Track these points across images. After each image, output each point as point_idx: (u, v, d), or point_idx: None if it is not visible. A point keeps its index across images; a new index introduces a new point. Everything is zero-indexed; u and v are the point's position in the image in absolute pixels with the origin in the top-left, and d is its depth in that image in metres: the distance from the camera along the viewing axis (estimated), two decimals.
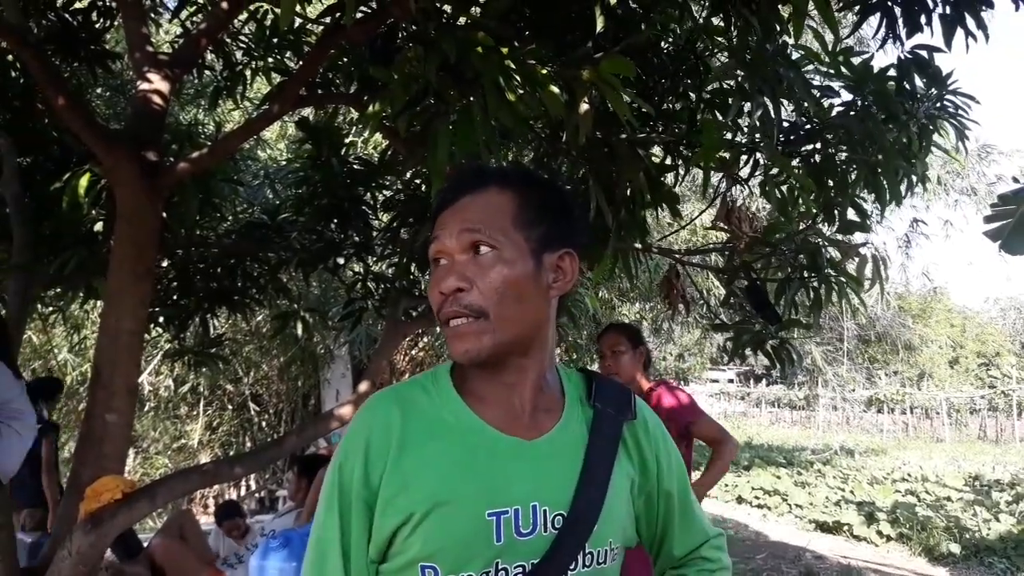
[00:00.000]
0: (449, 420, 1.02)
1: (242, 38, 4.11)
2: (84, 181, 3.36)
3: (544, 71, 2.24)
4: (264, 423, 11.72)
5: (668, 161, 3.54)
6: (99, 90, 5.62)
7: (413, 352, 11.00)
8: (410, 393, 1.05)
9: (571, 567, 1.00)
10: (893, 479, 11.86)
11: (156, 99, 3.06)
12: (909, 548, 7.57)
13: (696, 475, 3.18)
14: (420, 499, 0.96)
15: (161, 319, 4.66)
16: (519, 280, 1.00)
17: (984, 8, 2.91)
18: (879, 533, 7.97)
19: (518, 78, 2.22)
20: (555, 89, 2.21)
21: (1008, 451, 18.79)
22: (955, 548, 7.24)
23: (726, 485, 11.27)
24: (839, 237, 3.65)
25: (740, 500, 10.58)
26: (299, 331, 4.96)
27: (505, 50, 2.20)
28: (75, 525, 2.67)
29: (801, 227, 3.62)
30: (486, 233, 1.00)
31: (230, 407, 11.67)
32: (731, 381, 32.17)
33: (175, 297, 4.64)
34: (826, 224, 3.60)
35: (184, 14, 3.88)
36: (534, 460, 1.03)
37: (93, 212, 3.82)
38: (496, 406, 1.04)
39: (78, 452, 2.99)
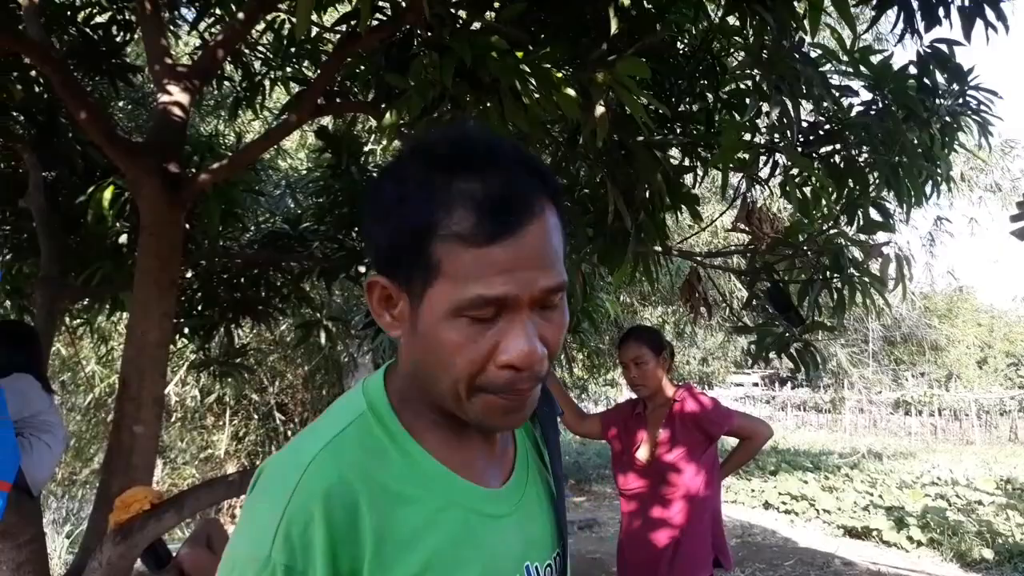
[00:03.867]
0: (423, 485, 0.79)
1: (260, 48, 4.16)
2: (108, 194, 3.42)
3: (559, 74, 2.24)
4: (290, 432, 11.77)
5: (686, 162, 3.52)
6: (121, 103, 5.70)
7: None
8: (360, 454, 0.77)
9: None
10: (922, 483, 11.70)
11: (176, 111, 3.10)
12: (940, 554, 7.45)
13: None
14: None
15: (186, 330, 4.71)
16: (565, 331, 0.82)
17: None
18: (909, 539, 7.86)
19: (533, 82, 2.22)
20: (571, 92, 2.21)
21: None
22: (988, 553, 7.11)
23: (752, 490, 11.17)
24: (862, 237, 3.62)
25: (767, 506, 10.48)
26: (323, 340, 5.00)
27: (520, 54, 2.20)
28: (105, 536, 2.70)
29: (823, 227, 3.59)
30: (563, 280, 0.77)
31: (256, 417, 11.75)
32: (756, 385, 31.97)
33: (199, 308, 4.70)
34: (848, 224, 3.57)
35: (202, 26, 3.93)
36: (513, 511, 0.87)
37: (118, 225, 3.87)
38: (458, 450, 0.84)
39: (107, 463, 3.02)
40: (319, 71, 3.28)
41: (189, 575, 4.21)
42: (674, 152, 3.63)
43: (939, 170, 3.34)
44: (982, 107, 3.29)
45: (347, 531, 0.71)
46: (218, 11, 3.73)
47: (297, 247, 4.60)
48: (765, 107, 2.68)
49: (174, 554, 4.39)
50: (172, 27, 4.08)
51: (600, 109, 2.38)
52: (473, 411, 0.77)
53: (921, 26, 3.04)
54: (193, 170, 3.50)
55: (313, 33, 3.85)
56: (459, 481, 0.81)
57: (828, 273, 3.48)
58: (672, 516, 2.93)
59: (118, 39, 3.98)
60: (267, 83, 4.15)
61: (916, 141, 3.17)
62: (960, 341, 31.37)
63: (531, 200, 0.74)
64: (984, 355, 38.46)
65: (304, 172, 6.60)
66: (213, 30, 3.94)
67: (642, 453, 3.03)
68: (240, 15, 3.18)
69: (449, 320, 0.73)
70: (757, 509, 10.40)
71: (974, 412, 25.01)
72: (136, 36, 4.12)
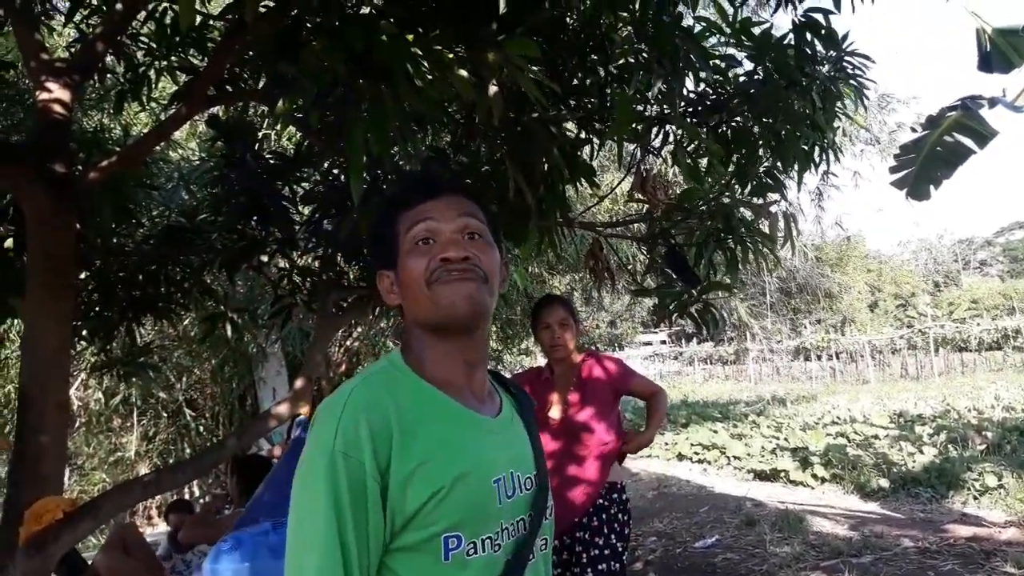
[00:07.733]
0: (430, 403, 1.14)
1: (143, 38, 4.00)
2: None
3: (451, 55, 2.26)
4: (202, 428, 11.48)
5: (582, 135, 3.61)
6: None
7: (347, 343, 10.91)
8: (384, 386, 1.12)
9: (547, 516, 1.24)
10: (824, 423, 12.33)
11: (58, 108, 2.97)
12: (842, 487, 7.92)
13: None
14: (444, 474, 1.07)
15: (85, 332, 4.54)
16: (499, 263, 1.22)
17: None
18: (814, 476, 8.32)
19: (426, 64, 2.24)
20: (463, 72, 2.24)
21: (928, 386, 19.74)
22: (884, 483, 7.61)
23: (666, 443, 11.57)
24: (753, 199, 3.79)
25: (680, 457, 10.88)
26: (228, 332, 4.90)
27: (411, 37, 2.21)
28: (17, 550, 2.62)
29: (714, 192, 3.74)
30: (479, 223, 1.20)
31: (165, 415, 11.40)
32: (663, 342, 32.94)
33: (97, 309, 4.53)
34: (741, 189, 3.73)
35: (78, 16, 3.74)
36: (502, 434, 1.22)
37: (1, 229, 3.70)
38: (457, 389, 1.18)
39: (12, 475, 2.90)
40: (208, 60, 3.21)
41: None
42: (570, 126, 3.71)
43: (824, 137, 3.52)
44: (856, 72, 3.48)
45: (381, 430, 1.04)
46: (94, 1, 3.57)
47: (195, 240, 4.47)
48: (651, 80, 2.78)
49: (89, 562, 4.28)
50: (45, 18, 3.88)
51: (493, 88, 2.43)
52: (436, 301, 1.14)
53: None
54: (79, 168, 3.36)
55: (199, 21, 3.72)
56: (454, 402, 1.16)
57: (721, 234, 3.65)
58: (587, 474, 3.05)
59: None
60: (152, 73, 4.00)
61: (798, 107, 3.33)
62: (852, 287, 32.99)
63: (447, 187, 1.22)
64: (875, 298, 40.57)
65: (196, 163, 6.39)
66: (91, 21, 3.77)
67: (555, 413, 3.15)
68: (118, 5, 3.05)
69: (409, 254, 1.17)
70: (672, 461, 10.78)
71: (868, 353, 26.42)
72: (6, 30, 3.90)
